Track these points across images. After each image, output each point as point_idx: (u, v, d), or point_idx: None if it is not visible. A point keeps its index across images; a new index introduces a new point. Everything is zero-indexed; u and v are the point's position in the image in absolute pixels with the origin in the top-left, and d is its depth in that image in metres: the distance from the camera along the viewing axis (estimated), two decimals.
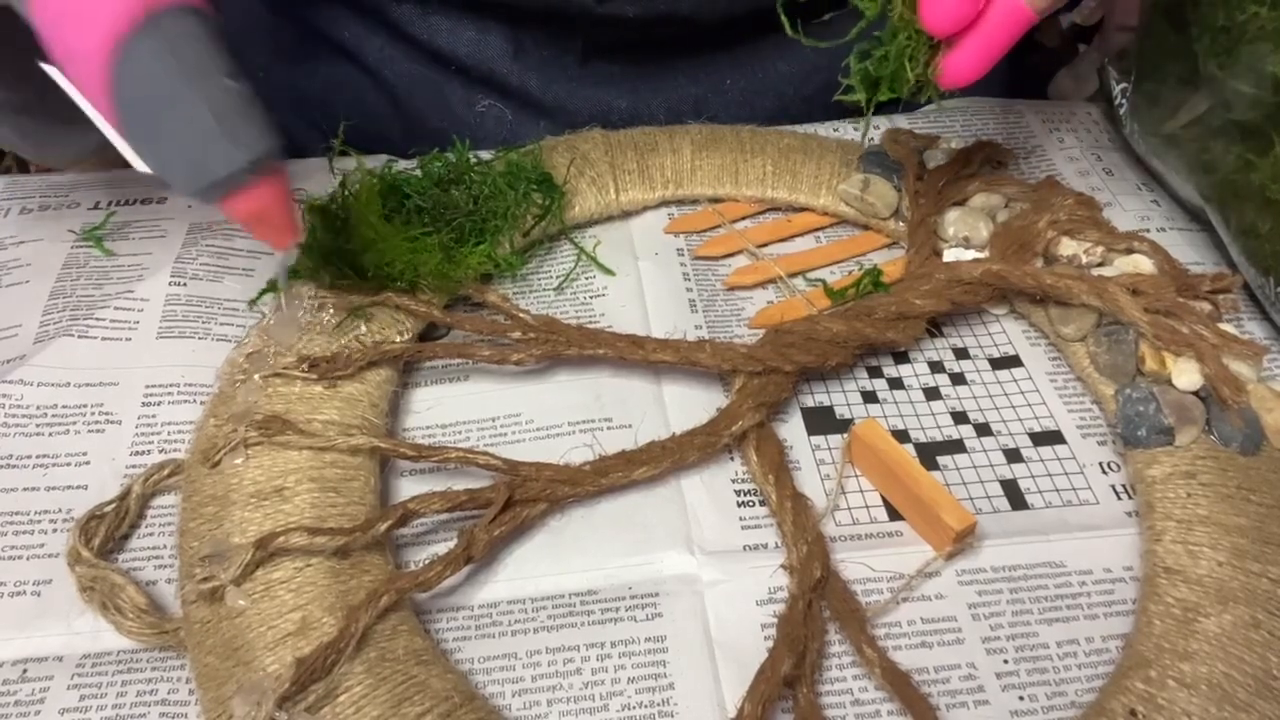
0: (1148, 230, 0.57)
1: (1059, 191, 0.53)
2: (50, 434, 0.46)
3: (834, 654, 0.39)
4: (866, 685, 0.38)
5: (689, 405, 0.47)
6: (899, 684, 0.37)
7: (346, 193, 0.49)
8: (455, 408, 0.47)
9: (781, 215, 0.58)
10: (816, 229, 0.57)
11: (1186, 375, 0.44)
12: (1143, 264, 0.49)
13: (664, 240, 0.56)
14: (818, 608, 0.39)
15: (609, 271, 0.54)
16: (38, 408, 0.47)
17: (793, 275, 0.54)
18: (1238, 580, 0.38)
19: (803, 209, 0.58)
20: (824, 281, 0.53)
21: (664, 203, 0.58)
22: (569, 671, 0.38)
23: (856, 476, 0.45)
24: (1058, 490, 0.45)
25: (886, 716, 0.37)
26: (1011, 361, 0.50)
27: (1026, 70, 0.75)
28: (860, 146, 0.58)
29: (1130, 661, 0.37)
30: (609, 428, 0.46)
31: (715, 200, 0.58)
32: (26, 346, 0.49)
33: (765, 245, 0.56)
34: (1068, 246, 0.50)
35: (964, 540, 0.41)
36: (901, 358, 0.50)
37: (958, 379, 0.49)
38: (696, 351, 0.46)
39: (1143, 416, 0.44)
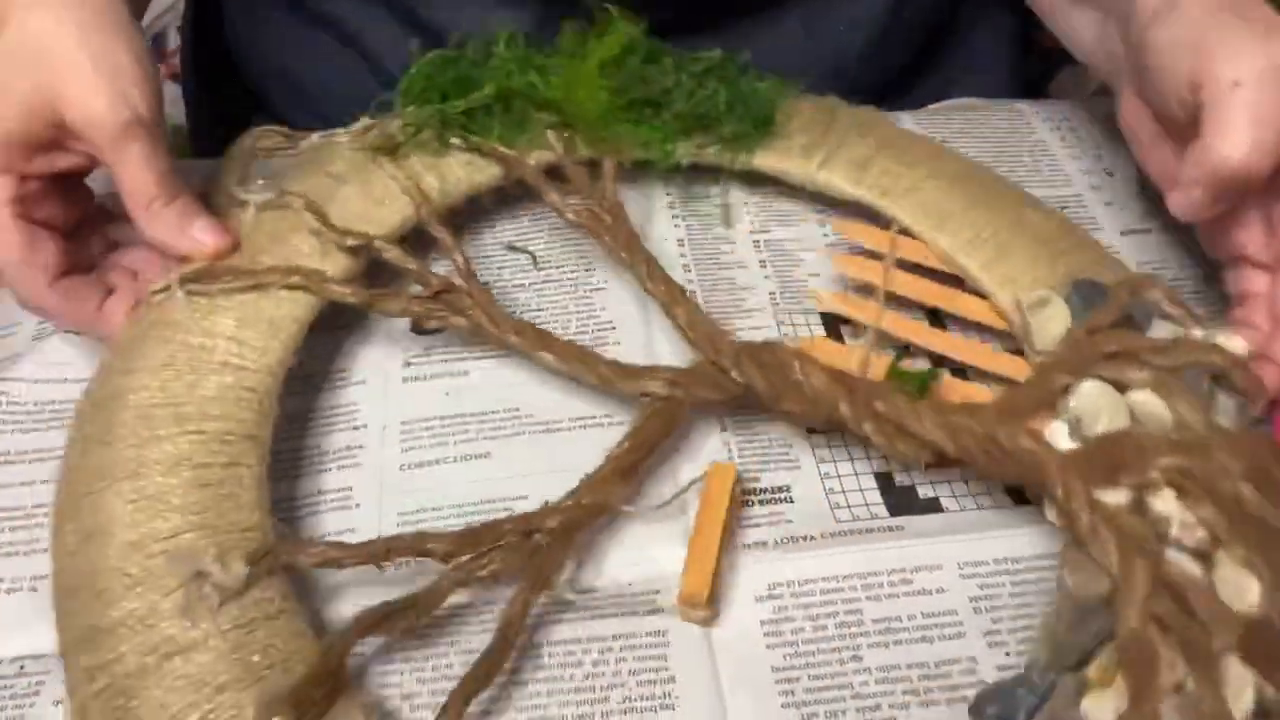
0: (1149, 230, 0.56)
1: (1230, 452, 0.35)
2: (46, 430, 0.46)
3: (834, 653, 0.39)
4: (867, 681, 0.38)
5: None
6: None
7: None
8: (455, 404, 0.47)
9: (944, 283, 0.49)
10: (966, 317, 0.49)
11: None
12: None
13: (664, 230, 0.55)
14: None
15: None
16: (34, 404, 0.47)
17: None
18: None
19: (974, 292, 0.49)
20: (897, 353, 0.48)
21: (857, 201, 0.52)
22: (570, 664, 0.38)
23: (840, 477, 0.45)
24: None
25: (887, 710, 0.37)
26: None
27: (1027, 70, 0.75)
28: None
29: None
30: (609, 425, 0.46)
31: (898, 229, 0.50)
32: (24, 344, 0.49)
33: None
34: (1164, 505, 0.36)
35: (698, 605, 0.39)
36: None
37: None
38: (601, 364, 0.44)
39: None
